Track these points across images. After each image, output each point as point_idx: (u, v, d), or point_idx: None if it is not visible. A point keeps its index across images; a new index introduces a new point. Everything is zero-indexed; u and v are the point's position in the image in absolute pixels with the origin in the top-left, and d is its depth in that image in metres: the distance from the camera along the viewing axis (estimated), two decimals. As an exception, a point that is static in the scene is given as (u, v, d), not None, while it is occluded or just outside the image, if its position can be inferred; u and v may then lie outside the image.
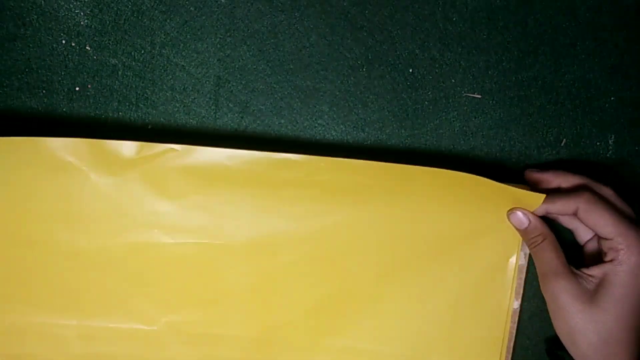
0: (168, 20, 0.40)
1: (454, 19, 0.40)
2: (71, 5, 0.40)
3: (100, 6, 0.40)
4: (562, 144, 0.42)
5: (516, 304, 0.42)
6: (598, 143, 0.42)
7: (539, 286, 0.41)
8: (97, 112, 0.41)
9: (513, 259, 0.41)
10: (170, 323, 0.42)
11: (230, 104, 0.41)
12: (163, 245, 0.41)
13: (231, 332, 0.42)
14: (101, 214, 0.40)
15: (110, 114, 0.41)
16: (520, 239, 0.41)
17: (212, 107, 0.41)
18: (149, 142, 0.39)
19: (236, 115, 0.41)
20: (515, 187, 0.38)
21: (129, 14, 0.40)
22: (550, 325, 0.38)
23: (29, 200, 0.40)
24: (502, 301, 0.42)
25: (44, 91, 0.41)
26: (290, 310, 0.42)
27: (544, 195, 0.38)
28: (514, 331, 0.42)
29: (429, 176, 0.39)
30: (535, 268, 0.41)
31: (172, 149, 0.39)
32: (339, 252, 0.41)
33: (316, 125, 0.41)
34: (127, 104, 0.41)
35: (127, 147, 0.39)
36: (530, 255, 0.41)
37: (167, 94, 0.41)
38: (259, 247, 0.41)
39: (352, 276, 0.41)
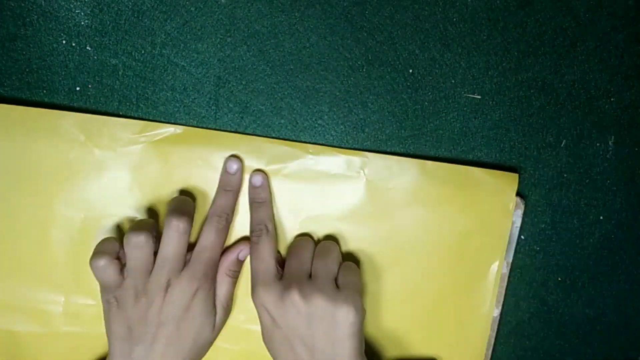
0: (168, 21, 0.40)
1: (454, 19, 0.40)
2: (71, 6, 0.40)
3: (100, 6, 0.40)
4: (562, 145, 0.42)
5: (496, 312, 0.42)
6: (598, 144, 0.42)
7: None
8: (98, 112, 0.41)
9: (495, 266, 0.41)
10: None
11: (230, 104, 0.41)
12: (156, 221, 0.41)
13: None
14: (98, 189, 0.41)
15: (111, 114, 0.41)
16: (505, 246, 0.41)
17: (213, 107, 0.41)
18: (153, 122, 0.40)
19: (236, 115, 0.41)
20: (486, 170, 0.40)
21: (130, 14, 0.40)
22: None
23: (29, 171, 0.41)
24: (483, 307, 0.42)
25: (44, 91, 0.41)
26: None
27: (517, 175, 0.40)
28: (493, 340, 0.42)
29: (416, 168, 0.40)
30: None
31: (175, 129, 0.40)
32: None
33: (316, 125, 0.41)
34: (128, 104, 0.41)
35: (132, 125, 0.40)
36: (512, 264, 0.42)
37: (168, 94, 0.41)
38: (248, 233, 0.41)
39: None
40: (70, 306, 0.42)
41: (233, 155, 0.41)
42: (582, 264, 0.43)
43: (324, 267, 0.38)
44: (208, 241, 0.39)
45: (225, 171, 0.40)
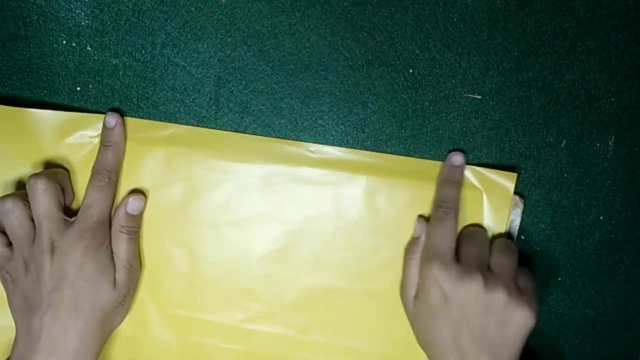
0: (169, 21, 0.40)
1: (454, 19, 0.40)
2: (72, 6, 0.40)
3: (100, 6, 0.40)
4: (562, 145, 0.42)
5: None
6: (598, 144, 0.42)
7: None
8: (98, 111, 0.41)
9: None
10: (155, 302, 0.42)
11: (230, 104, 0.41)
12: (157, 220, 0.41)
13: (213, 318, 0.42)
14: None
15: (111, 114, 0.41)
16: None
17: (213, 107, 0.41)
18: (154, 122, 0.41)
19: (236, 115, 0.41)
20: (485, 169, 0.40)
21: (130, 14, 0.40)
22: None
23: (27, 171, 0.41)
24: None
25: (45, 91, 0.41)
26: (275, 301, 0.42)
27: (515, 174, 0.40)
28: None
29: (416, 168, 0.41)
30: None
31: (177, 129, 0.41)
32: (324, 245, 0.42)
33: (316, 125, 0.41)
34: (128, 103, 0.41)
35: (133, 125, 0.41)
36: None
37: (168, 94, 0.41)
38: (249, 234, 0.42)
39: (336, 271, 0.42)
40: None
41: (112, 109, 0.40)
42: (582, 264, 0.43)
43: (509, 264, 0.38)
44: (90, 198, 0.38)
45: (104, 126, 0.40)
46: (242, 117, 0.41)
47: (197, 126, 0.41)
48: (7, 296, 0.38)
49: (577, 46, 0.41)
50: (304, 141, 0.41)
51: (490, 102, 0.41)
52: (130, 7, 0.40)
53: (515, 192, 0.41)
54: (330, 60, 0.41)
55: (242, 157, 0.41)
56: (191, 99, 0.41)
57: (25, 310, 0.37)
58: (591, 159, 0.42)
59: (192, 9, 0.40)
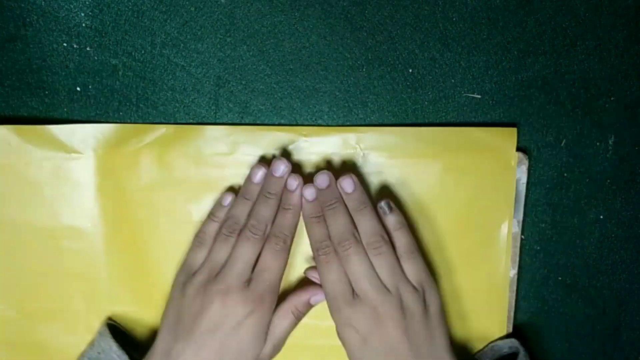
0: (168, 21, 0.40)
1: (454, 19, 0.40)
2: (72, 6, 0.40)
3: (100, 7, 0.40)
4: (562, 144, 0.42)
5: (512, 272, 0.42)
6: (598, 143, 0.42)
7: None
8: (98, 112, 0.41)
9: (505, 225, 0.41)
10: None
11: (230, 104, 0.41)
12: (157, 223, 0.41)
13: None
14: (94, 196, 0.41)
15: (111, 114, 0.41)
16: (512, 204, 0.41)
17: (212, 107, 0.41)
18: (144, 124, 0.40)
19: (236, 115, 0.41)
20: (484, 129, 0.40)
21: (130, 14, 0.40)
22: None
23: (23, 184, 0.41)
24: (498, 268, 0.41)
25: (45, 91, 0.41)
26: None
27: (515, 129, 0.40)
28: (513, 300, 0.42)
29: (412, 136, 0.40)
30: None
31: (166, 129, 0.40)
32: None
33: (316, 125, 0.41)
34: (128, 104, 0.41)
35: (123, 130, 0.40)
36: (523, 222, 0.42)
37: (168, 94, 0.41)
38: None
39: None
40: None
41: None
42: (582, 264, 0.43)
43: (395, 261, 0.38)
44: (265, 263, 0.38)
45: (285, 189, 0.39)
46: (242, 117, 0.41)
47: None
48: (169, 300, 0.38)
49: (577, 45, 0.41)
50: (297, 124, 0.41)
51: (490, 102, 0.41)
52: (130, 7, 0.40)
53: (518, 149, 0.41)
54: (330, 60, 0.41)
55: (235, 149, 0.41)
56: (191, 99, 0.41)
57: (173, 327, 0.37)
58: (591, 158, 0.42)
59: (192, 9, 0.40)
